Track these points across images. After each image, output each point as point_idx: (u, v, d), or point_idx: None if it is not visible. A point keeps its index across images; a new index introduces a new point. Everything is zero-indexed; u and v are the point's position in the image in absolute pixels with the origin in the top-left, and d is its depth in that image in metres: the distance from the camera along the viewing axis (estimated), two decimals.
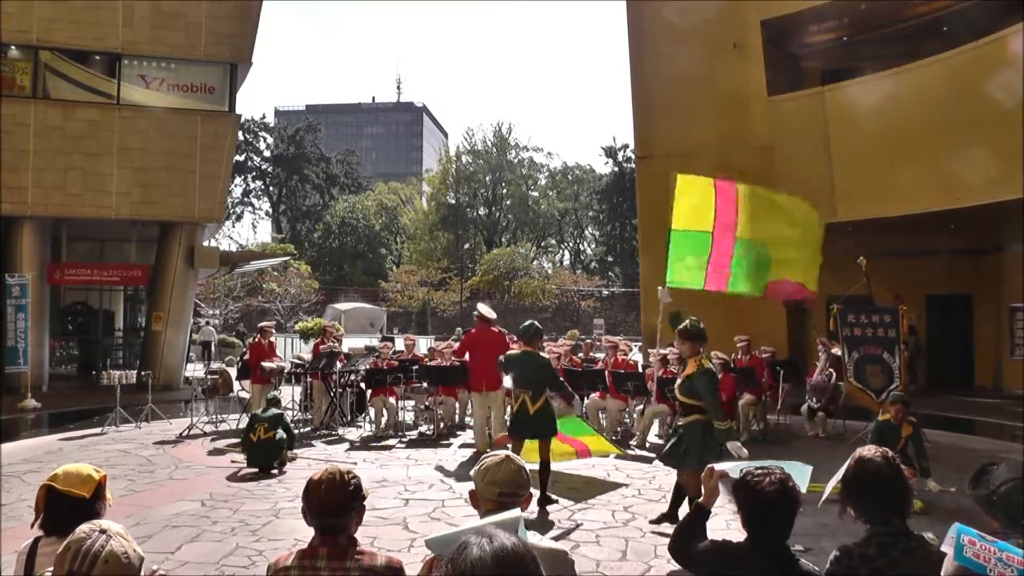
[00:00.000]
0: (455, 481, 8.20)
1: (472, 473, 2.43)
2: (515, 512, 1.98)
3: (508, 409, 11.60)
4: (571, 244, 67.30)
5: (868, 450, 2.53)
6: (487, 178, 62.68)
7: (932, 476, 7.49)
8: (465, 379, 10.44)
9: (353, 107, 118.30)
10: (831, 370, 11.25)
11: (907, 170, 14.77)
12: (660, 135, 19.10)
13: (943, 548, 1.94)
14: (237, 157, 51.24)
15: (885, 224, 15.80)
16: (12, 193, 16.28)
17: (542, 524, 6.62)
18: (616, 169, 57.46)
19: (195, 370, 20.33)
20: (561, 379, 8.73)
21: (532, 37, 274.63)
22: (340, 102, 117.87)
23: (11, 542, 4.25)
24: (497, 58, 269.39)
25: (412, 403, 12.62)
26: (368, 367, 11.99)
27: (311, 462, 9.13)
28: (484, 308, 10.48)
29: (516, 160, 63.24)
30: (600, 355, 13.84)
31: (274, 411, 9.05)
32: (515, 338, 10.50)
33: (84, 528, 1.99)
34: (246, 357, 13.06)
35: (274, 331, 12.42)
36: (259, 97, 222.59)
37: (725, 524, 5.77)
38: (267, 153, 63.78)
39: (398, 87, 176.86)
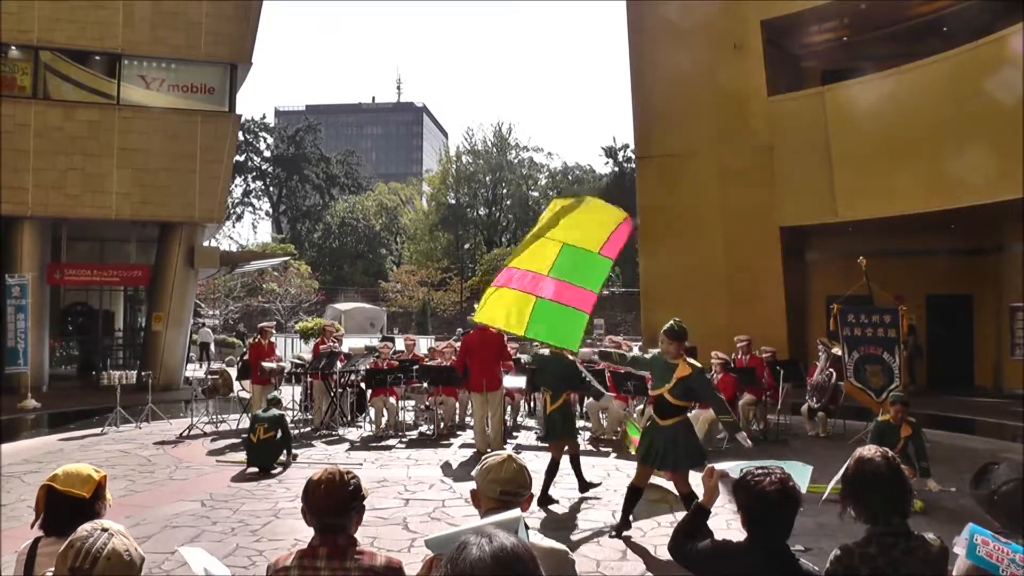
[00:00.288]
0: (455, 481, 8.20)
1: (473, 472, 2.43)
2: (515, 512, 1.98)
3: (508, 409, 11.64)
4: None
5: (868, 450, 2.53)
6: (487, 178, 62.68)
7: (932, 476, 7.49)
8: (465, 379, 10.42)
9: (353, 107, 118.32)
10: (831, 370, 11.24)
11: (907, 170, 14.77)
12: (660, 135, 19.11)
13: (956, 549, 1.94)
14: (237, 157, 51.25)
15: (885, 224, 15.81)
16: (12, 193, 16.29)
17: (542, 524, 6.62)
18: (616, 169, 57.46)
19: (194, 371, 20.35)
20: (588, 378, 8.56)
21: (532, 37, 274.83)
22: (340, 102, 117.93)
23: (11, 542, 4.25)
24: (497, 58, 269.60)
25: (412, 403, 12.63)
26: (368, 367, 12.00)
27: (311, 462, 9.12)
28: None
29: (516, 160, 63.24)
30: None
31: (275, 411, 9.05)
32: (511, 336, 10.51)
33: (86, 527, 2.00)
34: (246, 357, 13.06)
35: (274, 331, 12.42)
36: (259, 97, 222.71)
37: (725, 524, 5.77)
38: (267, 153, 63.81)
39: (398, 87, 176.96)
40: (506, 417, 11.27)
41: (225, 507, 7.13)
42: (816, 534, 5.92)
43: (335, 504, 2.41)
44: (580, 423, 12.62)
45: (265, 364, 11.50)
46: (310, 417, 12.23)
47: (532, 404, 13.22)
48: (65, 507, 2.47)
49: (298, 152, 62.57)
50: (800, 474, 2.54)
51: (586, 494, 7.54)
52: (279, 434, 8.83)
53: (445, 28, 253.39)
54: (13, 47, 16.93)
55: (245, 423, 11.43)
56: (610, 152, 57.98)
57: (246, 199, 63.41)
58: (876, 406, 9.59)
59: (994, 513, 2.28)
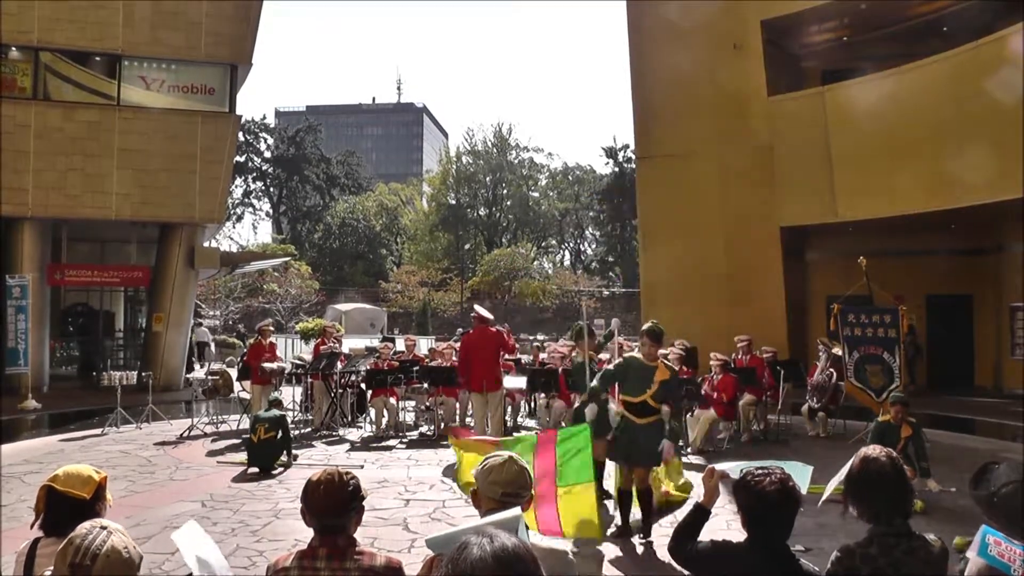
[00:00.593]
0: (455, 482, 8.19)
1: (474, 472, 2.43)
2: (515, 511, 1.98)
3: (508, 409, 11.65)
4: (571, 244, 67.31)
5: (873, 450, 2.53)
6: (487, 179, 62.66)
7: (932, 476, 7.49)
8: (465, 379, 10.42)
9: (353, 108, 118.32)
10: (831, 370, 11.25)
11: (907, 170, 14.78)
12: (660, 135, 19.12)
13: (969, 552, 1.94)
14: (237, 158, 51.25)
15: (885, 224, 15.82)
16: (13, 194, 16.29)
17: None
18: (616, 169, 57.39)
19: (192, 371, 20.35)
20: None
21: (532, 37, 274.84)
22: (340, 103, 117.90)
23: (11, 543, 4.25)
24: (497, 59, 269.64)
25: (413, 403, 12.64)
26: (369, 368, 12.00)
27: (312, 463, 9.12)
28: (480, 309, 10.49)
29: (516, 160, 63.23)
30: (604, 355, 13.83)
31: (276, 412, 9.05)
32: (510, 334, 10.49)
33: (85, 525, 2.01)
34: (246, 358, 13.06)
35: (273, 331, 12.42)
36: (259, 98, 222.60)
37: (726, 524, 5.76)
38: (267, 154, 63.81)
39: (398, 88, 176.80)
40: (506, 417, 11.28)
41: (225, 507, 7.13)
42: (816, 534, 5.92)
43: (334, 505, 2.41)
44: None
45: (266, 365, 11.50)
46: (310, 418, 12.24)
47: (532, 404, 13.22)
48: (65, 508, 2.47)
49: (298, 153, 62.57)
50: (800, 474, 2.55)
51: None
52: (280, 435, 8.83)
53: (445, 28, 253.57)
54: (13, 48, 16.93)
55: (245, 424, 11.43)
56: (610, 152, 57.93)
57: (246, 200, 63.43)
58: (876, 406, 9.59)
59: (993, 514, 2.27)
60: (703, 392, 10.27)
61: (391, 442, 10.68)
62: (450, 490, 7.87)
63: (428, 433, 11.32)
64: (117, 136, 17.11)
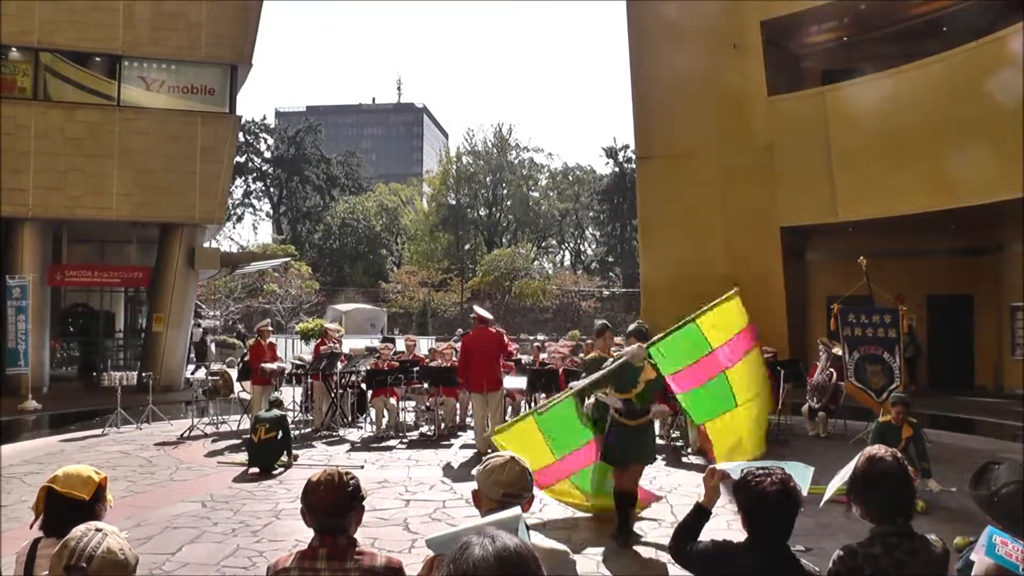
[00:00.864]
0: (456, 482, 8.20)
1: (475, 472, 2.43)
2: (515, 510, 1.98)
3: (508, 410, 11.64)
4: (572, 244, 67.23)
5: (878, 449, 2.53)
6: (487, 179, 62.61)
7: (933, 476, 7.49)
8: (465, 380, 10.42)
9: (353, 108, 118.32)
10: (832, 370, 11.25)
11: (907, 170, 14.78)
12: (660, 135, 19.12)
13: (972, 555, 1.94)
14: (237, 158, 51.22)
15: (885, 224, 15.82)
16: (13, 195, 16.29)
17: (543, 524, 6.62)
18: (617, 169, 57.35)
19: (192, 370, 20.35)
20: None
21: (532, 38, 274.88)
22: (340, 103, 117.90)
23: (11, 543, 4.25)
24: (497, 59, 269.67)
25: (413, 404, 12.64)
26: (369, 368, 12.00)
27: (312, 463, 9.12)
28: (480, 309, 10.50)
29: (516, 161, 63.16)
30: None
31: (276, 412, 9.05)
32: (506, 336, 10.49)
33: (80, 527, 2.01)
34: (246, 358, 13.06)
35: (272, 331, 12.41)
36: (259, 98, 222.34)
37: (726, 524, 5.76)
38: (267, 154, 63.72)
39: (398, 88, 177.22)
40: (507, 418, 11.26)
41: (226, 508, 7.13)
42: (817, 534, 5.92)
43: (334, 505, 2.41)
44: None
45: (266, 365, 11.50)
46: (310, 418, 12.24)
47: (533, 404, 13.19)
48: (65, 508, 2.47)
49: (298, 153, 62.51)
50: (801, 475, 2.55)
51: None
52: (280, 435, 8.83)
53: (445, 28, 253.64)
54: (13, 48, 16.94)
55: (246, 424, 11.44)
56: (610, 152, 57.89)
57: (246, 200, 63.33)
58: (877, 406, 9.59)
59: (993, 514, 2.28)
60: None
61: (391, 442, 10.68)
62: (450, 490, 7.88)
63: (428, 433, 11.32)
64: (117, 137, 17.12)
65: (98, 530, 2.00)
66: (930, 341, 17.21)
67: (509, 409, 11.77)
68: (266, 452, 8.73)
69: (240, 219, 62.60)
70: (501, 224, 63.20)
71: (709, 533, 2.61)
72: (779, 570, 2.31)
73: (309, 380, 12.26)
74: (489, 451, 8.40)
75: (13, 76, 16.95)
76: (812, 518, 6.02)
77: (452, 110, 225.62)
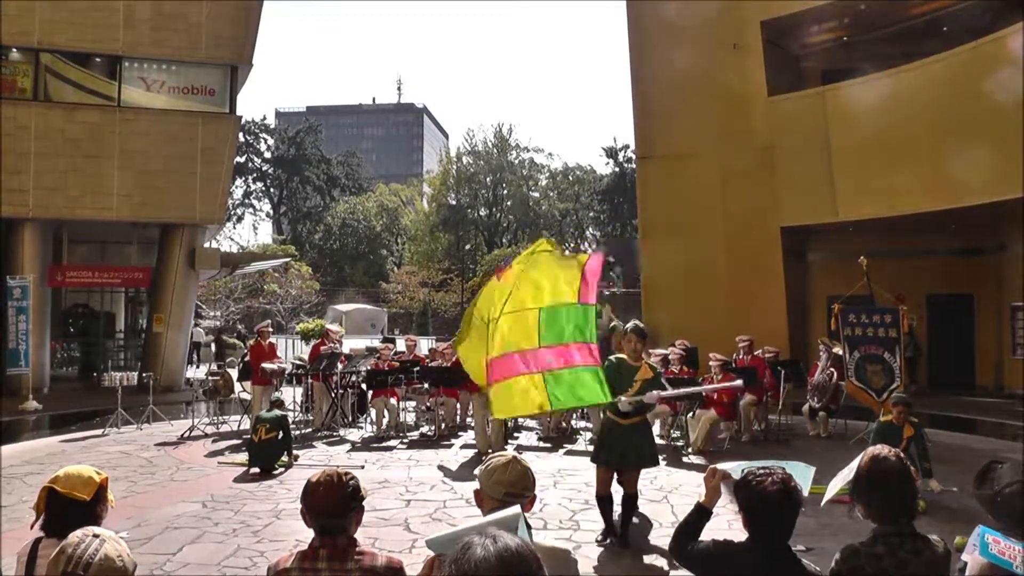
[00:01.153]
0: (456, 482, 8.20)
1: (477, 472, 2.43)
2: (515, 510, 1.98)
3: None
4: (572, 245, 67.22)
5: (881, 449, 2.54)
6: (488, 179, 62.61)
7: (934, 476, 7.49)
8: (466, 380, 10.42)
9: (354, 108, 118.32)
10: (832, 370, 11.25)
11: (907, 170, 14.78)
12: (661, 135, 19.12)
13: (964, 556, 1.94)
14: (238, 159, 51.20)
15: (885, 224, 15.82)
16: (13, 195, 16.29)
17: (544, 524, 6.61)
18: (617, 170, 57.37)
19: (194, 371, 20.35)
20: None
21: (532, 38, 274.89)
22: (340, 103, 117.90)
23: (12, 544, 4.25)
24: (498, 59, 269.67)
25: (413, 404, 12.63)
26: (369, 368, 12.00)
27: (313, 463, 9.12)
28: None
29: (517, 161, 63.16)
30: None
31: (277, 412, 9.05)
32: None
33: (77, 533, 2.00)
34: (247, 359, 13.07)
35: (272, 331, 12.41)
36: (260, 99, 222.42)
37: (727, 524, 5.76)
38: (268, 155, 63.75)
39: (398, 88, 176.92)
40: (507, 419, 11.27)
41: (226, 508, 7.13)
42: (818, 534, 5.92)
43: (334, 505, 2.41)
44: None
45: (266, 366, 11.50)
46: (311, 418, 12.24)
47: None
48: (66, 509, 2.47)
49: (299, 153, 62.54)
50: (802, 474, 2.54)
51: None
52: (281, 435, 8.83)
53: (445, 29, 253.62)
54: (14, 49, 16.94)
55: (246, 424, 11.44)
56: (611, 153, 57.92)
57: (247, 200, 63.36)
58: (877, 406, 9.59)
59: (996, 514, 2.28)
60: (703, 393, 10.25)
61: (392, 443, 10.68)
62: (451, 490, 7.87)
63: (429, 433, 11.32)
64: (117, 137, 17.12)
65: (96, 536, 1.98)
66: (930, 341, 17.20)
67: None
68: (267, 452, 8.73)
69: (240, 219, 62.66)
70: (501, 224, 63.20)
71: (710, 533, 2.61)
72: (780, 570, 2.31)
73: (309, 380, 12.26)
74: (490, 451, 8.40)
75: (13, 77, 16.96)
76: (813, 518, 6.02)
77: (452, 110, 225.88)
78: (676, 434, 10.77)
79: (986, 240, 16.95)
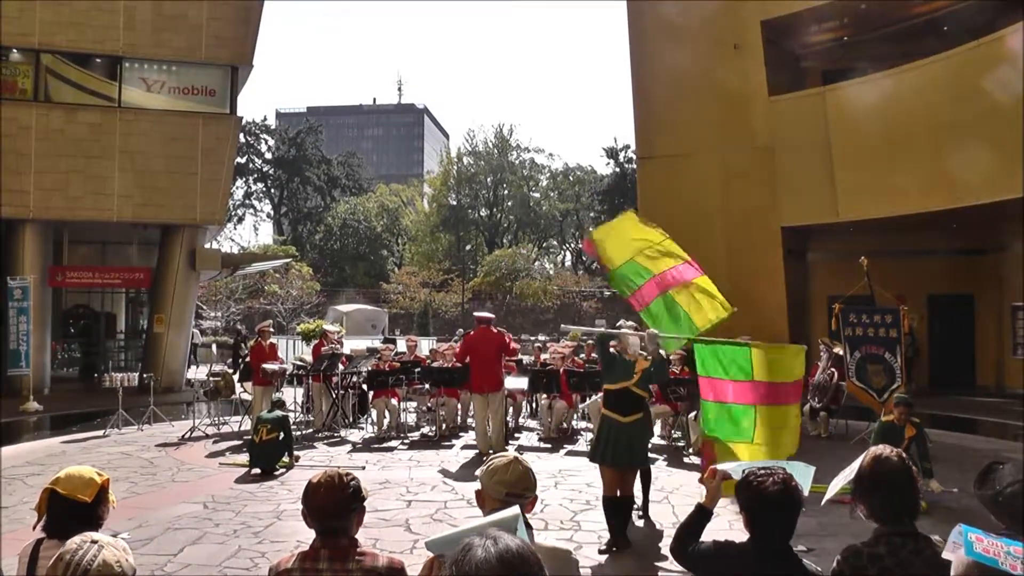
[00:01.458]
0: (457, 482, 8.20)
1: (479, 472, 2.43)
2: (514, 510, 1.98)
3: (510, 410, 11.65)
4: (572, 245, 67.23)
5: (883, 449, 2.53)
6: (488, 179, 62.63)
7: (934, 476, 7.48)
8: (467, 381, 10.45)
9: (354, 109, 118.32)
10: (833, 370, 11.25)
11: (908, 170, 14.77)
12: (661, 136, 19.11)
13: (945, 554, 1.94)
14: (238, 159, 51.28)
15: (886, 224, 15.80)
16: (14, 196, 16.31)
17: (546, 524, 6.61)
18: (617, 170, 57.35)
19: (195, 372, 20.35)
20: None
21: (533, 38, 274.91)
22: (341, 104, 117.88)
23: (13, 544, 4.25)
24: (498, 60, 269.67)
25: (414, 404, 12.64)
26: (370, 369, 12.00)
27: (314, 464, 9.12)
28: (481, 311, 10.58)
29: (517, 161, 63.18)
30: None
31: (278, 413, 9.06)
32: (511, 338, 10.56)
33: (75, 540, 1.99)
34: (247, 359, 13.07)
35: (272, 332, 12.42)
36: (260, 99, 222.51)
37: (728, 525, 5.76)
38: (268, 155, 63.74)
39: (399, 89, 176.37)
40: (507, 419, 11.28)
41: (227, 509, 7.14)
42: (819, 534, 5.92)
43: (335, 506, 2.41)
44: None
45: (267, 366, 11.50)
46: (312, 419, 12.24)
47: (534, 405, 13.21)
48: (67, 510, 2.47)
49: (299, 154, 62.53)
50: (802, 475, 2.55)
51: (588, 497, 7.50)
52: (282, 435, 8.84)
53: (446, 29, 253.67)
54: (14, 50, 16.96)
55: (247, 425, 11.45)
56: (611, 153, 57.90)
57: (247, 201, 63.35)
58: (878, 406, 9.59)
59: (998, 514, 2.27)
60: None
61: (392, 443, 10.68)
62: (452, 491, 7.88)
63: (430, 434, 11.32)
64: (118, 138, 17.13)
65: (94, 542, 1.97)
66: (931, 341, 17.19)
67: (510, 410, 11.79)
68: (268, 453, 8.73)
69: (241, 220, 62.68)
70: (502, 225, 63.22)
71: (711, 534, 2.61)
72: (781, 570, 2.31)
73: (310, 381, 12.27)
74: (491, 452, 8.41)
75: (14, 78, 16.97)
76: (814, 518, 6.01)
77: (453, 111, 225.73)
78: (677, 434, 10.78)
79: (987, 240, 16.94)
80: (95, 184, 16.99)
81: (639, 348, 6.11)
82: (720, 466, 2.74)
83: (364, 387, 12.29)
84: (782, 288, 17.15)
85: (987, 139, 13.17)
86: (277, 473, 8.66)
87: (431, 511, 7.08)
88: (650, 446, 6.27)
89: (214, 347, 27.33)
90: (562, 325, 13.15)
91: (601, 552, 5.97)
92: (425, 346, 19.98)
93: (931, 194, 14.48)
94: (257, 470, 8.67)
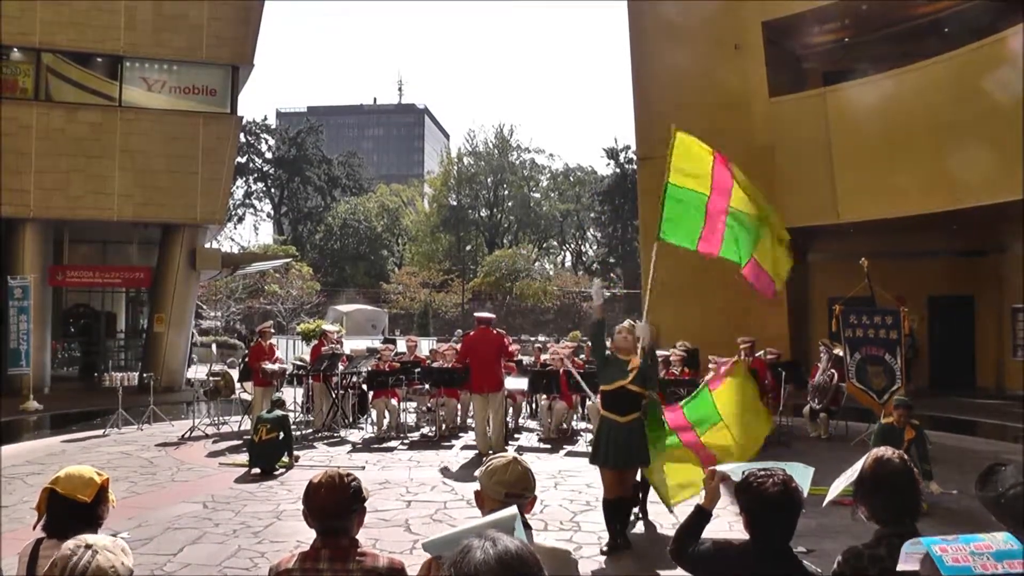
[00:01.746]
0: (457, 483, 8.20)
1: (478, 473, 2.43)
2: (512, 511, 1.98)
3: (509, 411, 11.65)
4: (573, 245, 67.27)
5: (885, 451, 2.54)
6: (488, 180, 62.66)
7: (934, 478, 7.49)
8: (467, 381, 10.45)
9: (355, 109, 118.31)
10: (833, 371, 11.24)
11: (908, 171, 14.77)
12: (661, 136, 18.95)
13: (903, 566, 1.90)
14: (239, 159, 51.30)
15: (886, 225, 15.80)
16: (14, 195, 16.32)
17: (545, 525, 6.61)
18: (618, 170, 57.33)
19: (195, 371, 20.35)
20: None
21: (534, 39, 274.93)
22: (342, 104, 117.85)
23: (13, 544, 4.25)
24: (499, 60, 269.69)
25: (414, 405, 12.63)
26: (370, 369, 12.00)
27: (313, 464, 9.12)
28: (481, 312, 10.57)
29: (518, 162, 63.22)
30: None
31: (278, 412, 9.05)
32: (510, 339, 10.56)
33: (70, 544, 1.97)
34: (247, 359, 13.07)
35: (273, 332, 12.41)
36: (261, 99, 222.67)
37: (727, 526, 5.76)
38: (269, 155, 63.75)
39: (400, 89, 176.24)
40: (507, 419, 11.27)
41: (227, 509, 7.13)
42: (819, 535, 5.92)
43: (336, 506, 2.41)
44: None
45: (267, 366, 11.49)
46: (311, 419, 12.24)
47: (534, 406, 13.21)
48: (67, 510, 2.47)
49: (299, 154, 62.54)
50: (802, 476, 2.54)
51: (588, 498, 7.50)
52: (282, 435, 8.83)
53: (447, 29, 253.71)
54: (15, 49, 16.97)
55: (247, 425, 11.45)
56: (611, 153, 57.88)
57: (248, 201, 63.36)
58: (878, 407, 9.59)
59: (1000, 515, 2.27)
60: None
61: (392, 443, 10.68)
62: (451, 491, 7.87)
63: (429, 434, 11.32)
64: (119, 137, 17.14)
65: (88, 547, 1.95)
66: (931, 342, 17.19)
67: (510, 410, 11.78)
68: (267, 453, 8.73)
69: (241, 220, 62.69)
70: (502, 225, 63.24)
71: (711, 535, 2.61)
72: (781, 571, 2.31)
73: (310, 381, 12.26)
74: (491, 452, 8.40)
75: (15, 77, 16.99)
76: (814, 519, 6.01)
77: (453, 111, 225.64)
78: None
79: (987, 241, 16.95)
80: (96, 183, 16.99)
81: (648, 338, 6.06)
82: (720, 467, 2.74)
83: (364, 387, 12.28)
84: (782, 289, 17.13)
85: (987, 140, 13.18)
86: (277, 473, 8.65)
87: (431, 511, 7.08)
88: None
89: (214, 347, 27.32)
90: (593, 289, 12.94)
91: (601, 553, 5.97)
92: (425, 346, 19.97)
93: (931, 195, 14.48)
94: (257, 470, 8.66)
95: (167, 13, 17.60)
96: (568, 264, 65.37)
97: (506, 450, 8.59)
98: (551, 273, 57.24)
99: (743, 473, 2.48)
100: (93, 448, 10.38)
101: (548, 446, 10.64)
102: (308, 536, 2.49)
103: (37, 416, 13.62)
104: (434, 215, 62.75)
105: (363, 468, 8.96)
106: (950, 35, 15.89)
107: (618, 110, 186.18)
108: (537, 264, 58.28)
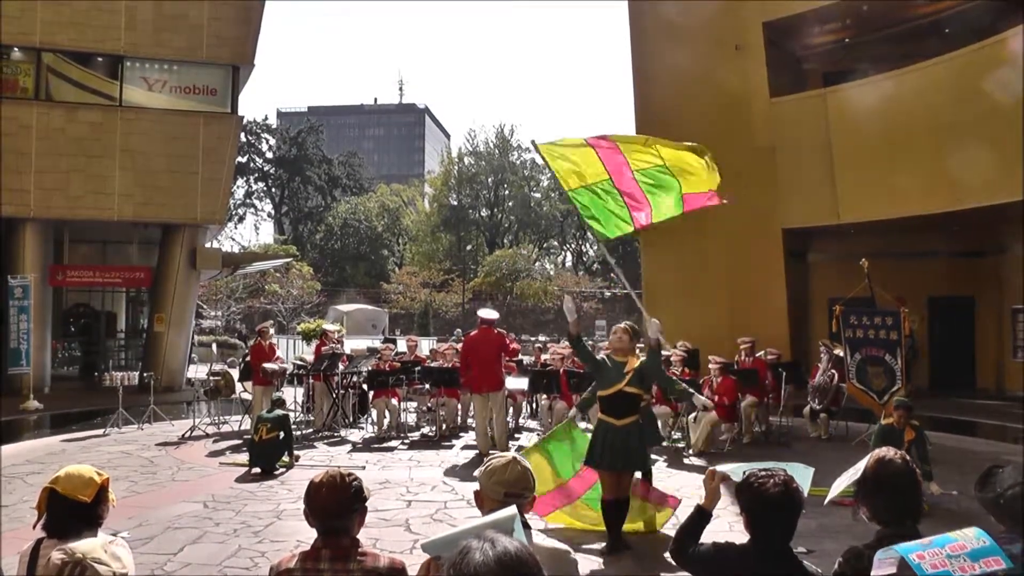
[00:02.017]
0: (457, 482, 8.20)
1: (478, 473, 2.43)
2: (510, 510, 1.98)
3: (510, 411, 11.65)
4: (573, 245, 67.25)
5: (887, 451, 2.54)
6: (489, 179, 62.66)
7: (934, 479, 7.48)
8: (467, 381, 10.44)
9: (355, 108, 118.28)
10: (833, 371, 11.24)
11: (908, 172, 14.77)
12: (661, 136, 19.06)
13: (876, 573, 1.89)
14: (239, 159, 51.31)
15: (887, 226, 15.80)
16: (14, 195, 16.32)
17: (544, 524, 6.61)
18: None
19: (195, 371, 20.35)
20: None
21: (534, 38, 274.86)
22: (342, 103, 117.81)
23: (13, 543, 4.26)
24: (499, 60, 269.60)
25: (414, 404, 12.63)
26: (370, 368, 12.00)
27: (314, 463, 9.12)
28: (484, 312, 10.55)
29: (518, 161, 63.20)
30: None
31: (279, 412, 9.05)
32: (513, 338, 10.54)
33: (56, 558, 1.96)
34: (247, 359, 13.07)
35: (272, 331, 12.41)
36: (261, 99, 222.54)
37: (727, 526, 5.76)
38: (269, 155, 63.77)
39: (400, 88, 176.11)
40: (508, 419, 11.27)
41: (227, 508, 7.13)
42: (819, 536, 5.92)
43: (337, 506, 2.41)
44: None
45: (267, 366, 11.49)
46: (312, 419, 12.24)
47: (534, 406, 13.21)
48: (67, 510, 2.47)
49: (300, 153, 62.56)
50: (802, 476, 2.55)
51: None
52: (282, 435, 8.84)
53: (447, 29, 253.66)
54: (15, 49, 16.97)
55: (247, 424, 11.45)
56: None
57: (248, 200, 63.39)
58: (878, 408, 9.59)
59: (999, 516, 2.27)
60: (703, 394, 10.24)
61: (393, 443, 10.68)
62: (452, 491, 7.87)
63: (430, 434, 11.32)
64: (119, 137, 17.14)
65: (77, 562, 1.95)
66: (931, 343, 17.19)
67: (511, 410, 11.78)
68: (268, 452, 8.73)
69: (242, 219, 62.71)
70: (503, 225, 63.23)
71: (711, 535, 2.61)
72: (781, 572, 2.32)
73: (310, 380, 12.26)
74: (491, 452, 8.40)
75: (15, 76, 16.99)
76: (814, 520, 6.01)
77: (454, 111, 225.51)
78: (677, 436, 10.77)
79: (987, 242, 16.95)
80: (96, 183, 16.99)
81: (656, 332, 5.97)
82: (720, 467, 2.74)
83: (364, 387, 12.28)
84: (783, 289, 17.15)
85: (988, 141, 13.18)
86: (277, 472, 8.65)
87: (431, 511, 7.08)
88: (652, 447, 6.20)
89: (214, 347, 27.32)
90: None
91: (601, 553, 5.96)
92: (425, 346, 19.98)
93: (932, 196, 14.48)
94: (257, 469, 8.66)
95: (167, 13, 17.60)
96: (569, 264, 65.37)
97: (508, 450, 8.59)
98: (551, 273, 57.25)
99: (744, 473, 2.48)
100: (93, 448, 10.38)
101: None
102: (309, 536, 2.50)
103: (37, 415, 13.62)
104: (434, 215, 62.75)
105: (363, 468, 8.95)
106: (951, 36, 15.89)
107: (618, 110, 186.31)
108: (537, 264, 58.31)
